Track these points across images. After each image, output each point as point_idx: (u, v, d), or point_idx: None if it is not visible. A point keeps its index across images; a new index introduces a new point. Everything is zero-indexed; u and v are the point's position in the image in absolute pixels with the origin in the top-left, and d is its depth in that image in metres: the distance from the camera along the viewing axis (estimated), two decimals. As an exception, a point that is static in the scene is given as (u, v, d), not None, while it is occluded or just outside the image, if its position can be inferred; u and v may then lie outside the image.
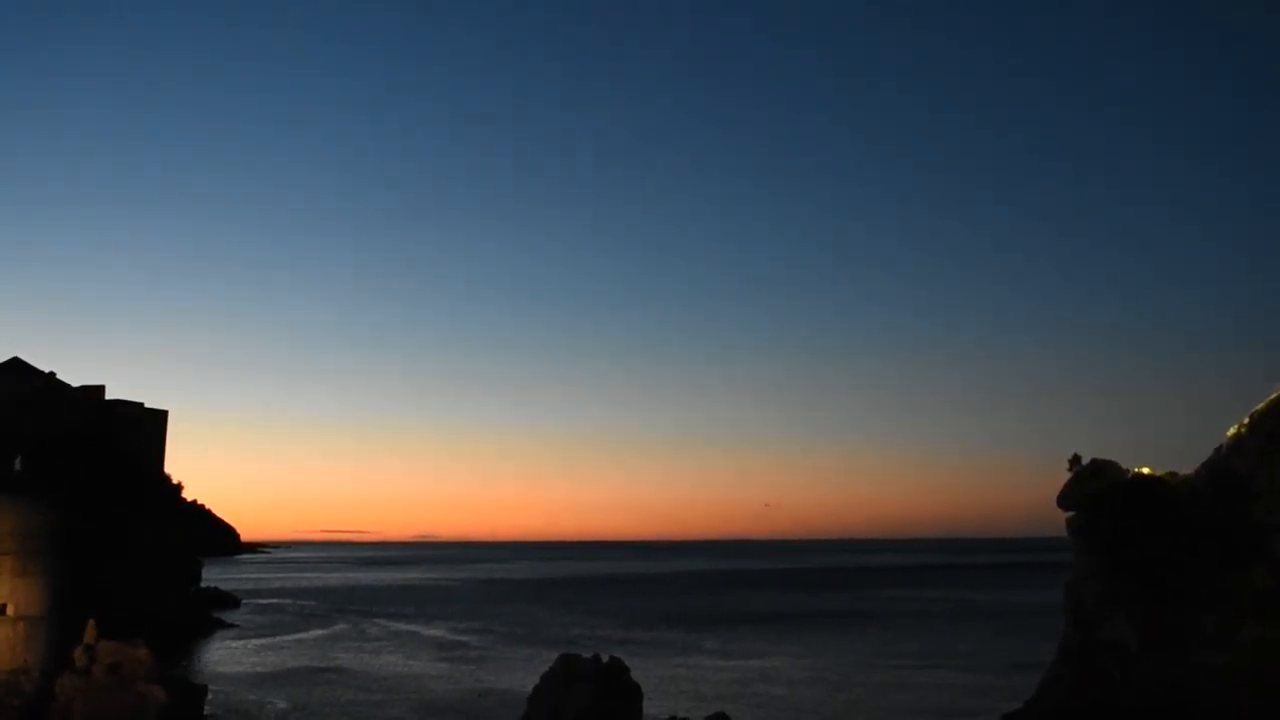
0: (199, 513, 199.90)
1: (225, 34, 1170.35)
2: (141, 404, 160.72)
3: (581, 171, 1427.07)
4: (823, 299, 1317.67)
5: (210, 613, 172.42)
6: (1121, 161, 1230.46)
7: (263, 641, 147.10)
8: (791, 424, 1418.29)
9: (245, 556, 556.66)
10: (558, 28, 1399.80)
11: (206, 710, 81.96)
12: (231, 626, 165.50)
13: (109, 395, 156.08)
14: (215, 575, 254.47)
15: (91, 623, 72.01)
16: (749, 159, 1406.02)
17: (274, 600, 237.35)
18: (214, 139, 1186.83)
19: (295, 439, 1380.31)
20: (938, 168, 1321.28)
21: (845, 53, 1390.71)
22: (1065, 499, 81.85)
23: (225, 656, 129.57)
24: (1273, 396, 75.08)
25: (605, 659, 61.04)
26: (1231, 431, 76.37)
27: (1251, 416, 75.53)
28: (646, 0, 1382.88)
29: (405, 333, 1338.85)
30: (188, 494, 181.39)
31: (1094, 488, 79.98)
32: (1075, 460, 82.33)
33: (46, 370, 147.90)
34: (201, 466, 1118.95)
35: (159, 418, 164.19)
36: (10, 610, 68.44)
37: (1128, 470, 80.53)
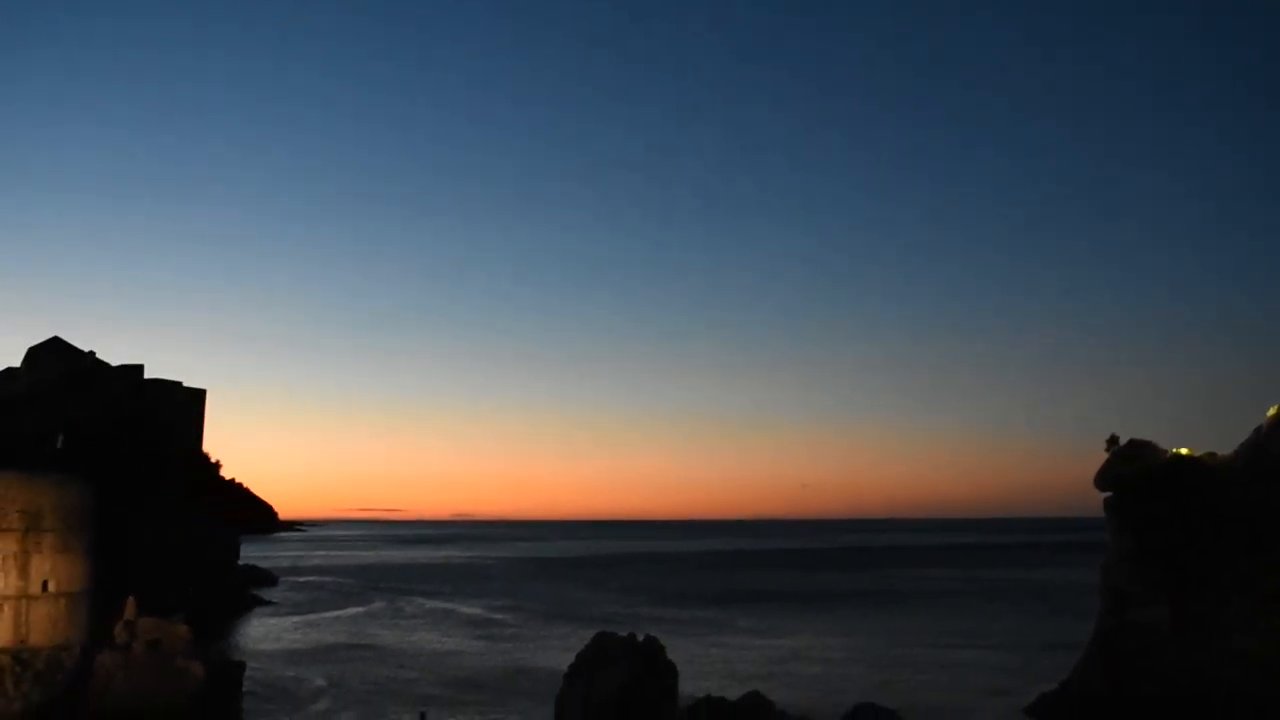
0: (237, 491, 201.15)
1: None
2: (180, 383, 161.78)
3: (628, 154, 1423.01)
4: (860, 282, 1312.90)
5: (248, 590, 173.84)
6: (1160, 146, 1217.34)
7: (300, 619, 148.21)
8: (828, 406, 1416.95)
9: (283, 534, 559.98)
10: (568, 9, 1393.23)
11: (245, 686, 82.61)
12: (269, 604, 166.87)
13: (148, 375, 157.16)
14: (253, 553, 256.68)
15: (132, 599, 72.81)
16: (776, 139, 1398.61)
17: (311, 578, 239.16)
18: (252, 122, 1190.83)
19: (333, 418, 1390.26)
20: (967, 148, 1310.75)
21: (853, 38, 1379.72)
22: (1102, 479, 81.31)
23: (263, 633, 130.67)
24: (1314, 377, 74.12)
25: (641, 638, 61.11)
26: (1271, 412, 75.55)
27: (1291, 397, 74.63)
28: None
29: (443, 314, 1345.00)
30: (226, 472, 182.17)
31: (1130, 469, 79.41)
32: (1113, 440, 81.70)
33: (86, 350, 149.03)
34: (240, 445, 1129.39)
35: (197, 397, 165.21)
36: (52, 587, 69.19)
37: (1165, 451, 79.86)
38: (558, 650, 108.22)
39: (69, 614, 70.35)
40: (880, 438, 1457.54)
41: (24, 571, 68.00)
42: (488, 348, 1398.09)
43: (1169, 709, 69.20)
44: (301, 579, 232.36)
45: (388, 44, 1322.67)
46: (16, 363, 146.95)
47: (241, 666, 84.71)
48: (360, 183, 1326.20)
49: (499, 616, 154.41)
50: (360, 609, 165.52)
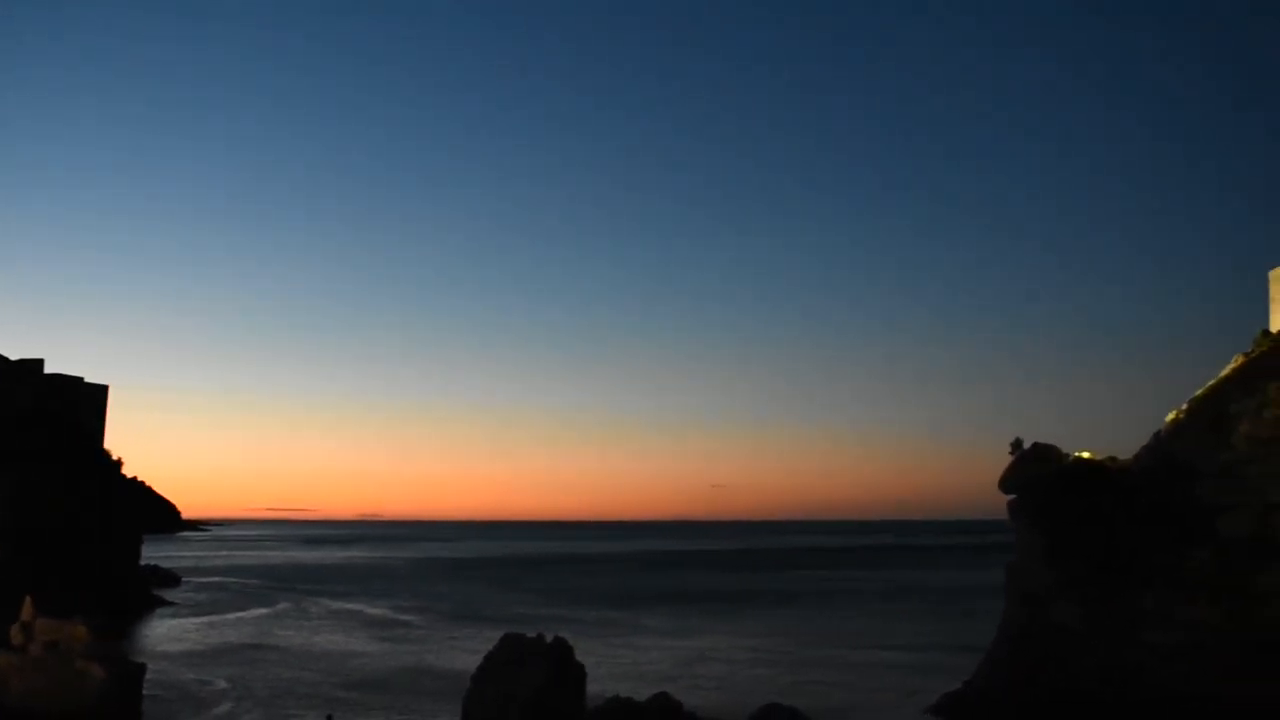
0: (139, 489, 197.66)
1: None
2: (81, 378, 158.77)
3: (566, 155, 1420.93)
4: (775, 284, 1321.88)
5: (150, 590, 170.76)
6: (1067, 154, 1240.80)
7: (203, 620, 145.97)
8: (740, 406, 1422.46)
9: (187, 534, 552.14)
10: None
11: (146, 688, 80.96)
12: (171, 604, 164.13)
13: (47, 370, 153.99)
14: (155, 553, 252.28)
15: (29, 599, 71.05)
16: (720, 145, 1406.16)
17: (215, 578, 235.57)
18: (179, 112, 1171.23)
19: (238, 416, 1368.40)
20: (897, 154, 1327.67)
21: (834, 40, 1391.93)
22: (1007, 482, 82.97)
23: (165, 634, 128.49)
24: (1211, 382, 76.38)
25: (550, 638, 60.96)
26: (1170, 416, 77.69)
27: (1191, 402, 76.83)
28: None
29: (350, 311, 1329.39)
30: (128, 470, 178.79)
31: (1035, 471, 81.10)
32: (1017, 444, 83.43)
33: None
34: (142, 443, 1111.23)
35: (99, 392, 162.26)
36: (-56, 587, 67.41)
37: (1068, 454, 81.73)
38: (465, 651, 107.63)
39: (-38, 615, 68.55)
40: (792, 441, 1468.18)
41: (-85, 571, 66.22)
42: (401, 346, 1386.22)
43: (1078, 706, 70.49)
44: (205, 579, 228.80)
45: (345, 33, 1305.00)
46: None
47: (142, 668, 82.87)
48: (267, 183, 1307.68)
49: (406, 617, 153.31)
50: (265, 610, 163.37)
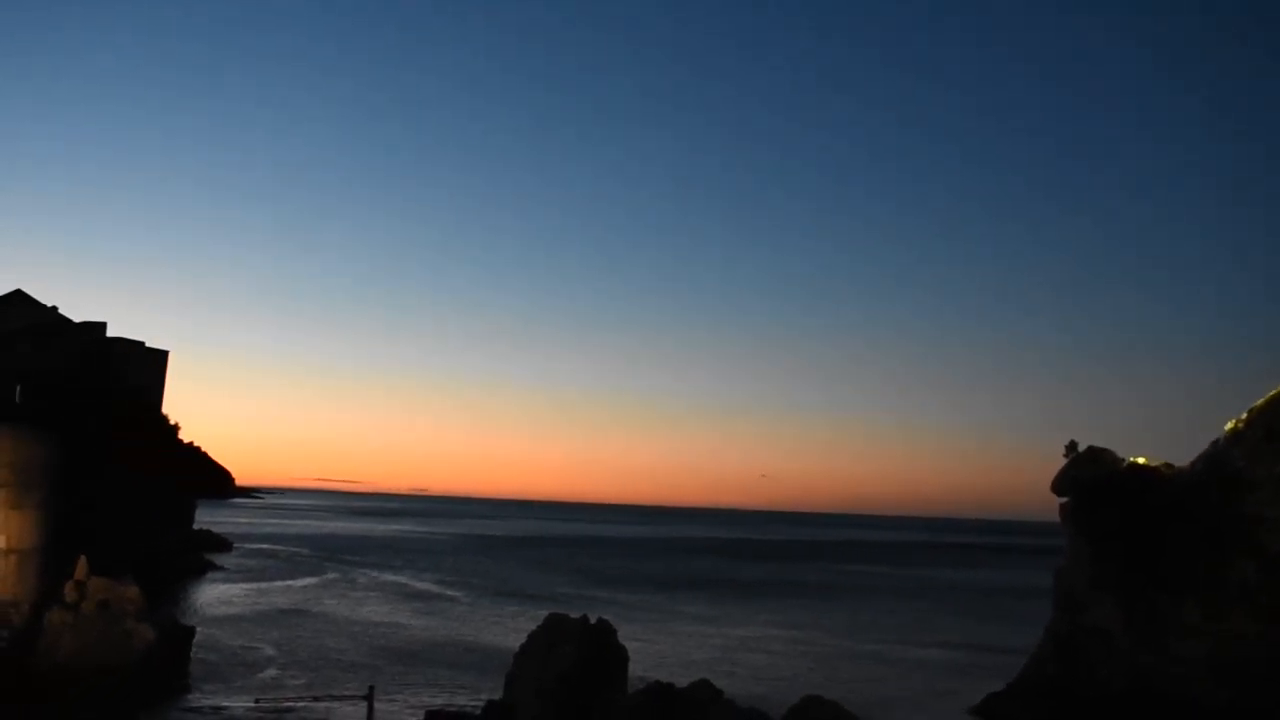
0: (195, 454, 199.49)
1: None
2: (142, 343, 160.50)
3: (582, 137, 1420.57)
4: (825, 274, 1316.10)
5: (202, 554, 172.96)
6: (1132, 151, 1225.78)
7: (252, 586, 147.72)
8: (791, 396, 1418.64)
9: (239, 500, 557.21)
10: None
11: (193, 651, 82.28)
12: (222, 569, 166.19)
13: (110, 333, 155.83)
14: (208, 518, 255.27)
15: (83, 558, 72.24)
16: (753, 131, 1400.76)
17: (265, 545, 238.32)
18: (219, 86, 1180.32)
19: (294, 385, 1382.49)
20: (943, 146, 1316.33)
21: (856, 37, 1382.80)
22: (1059, 484, 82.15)
23: (214, 599, 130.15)
24: (1272, 393, 75.24)
25: (593, 620, 61.24)
26: (1229, 425, 76.58)
27: (1250, 412, 75.74)
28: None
29: (411, 285, 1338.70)
30: (184, 435, 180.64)
31: (1088, 475, 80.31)
32: (1072, 446, 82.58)
33: (49, 305, 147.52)
34: (200, 408, 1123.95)
35: (159, 357, 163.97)
36: (2, 543, 68.66)
37: (1123, 459, 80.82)
38: (508, 629, 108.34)
39: (20, 570, 69.88)
40: (842, 433, 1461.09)
41: (-24, 526, 67.46)
42: (456, 322, 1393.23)
43: (1117, 711, 69.96)
44: (255, 546, 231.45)
45: (350, 25, 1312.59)
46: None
47: (191, 631, 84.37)
48: (329, 151, 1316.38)
49: (450, 592, 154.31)
50: (313, 579, 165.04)
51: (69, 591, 70.34)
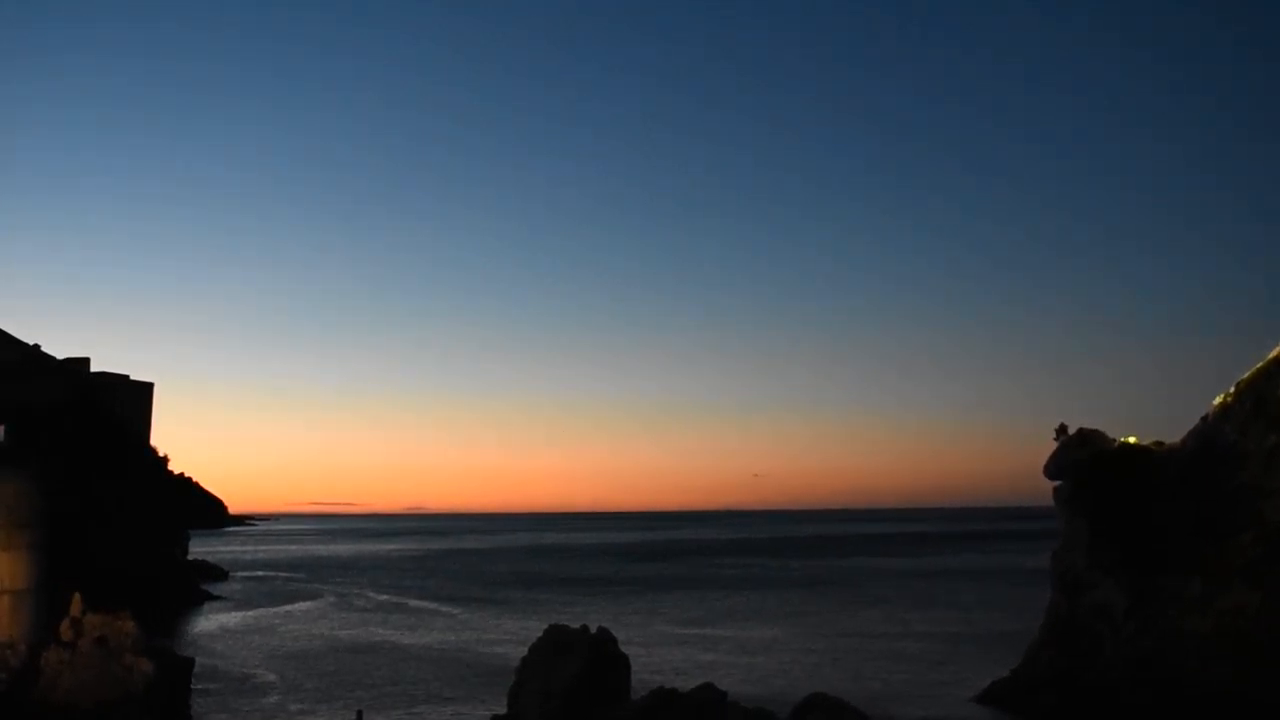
0: (186, 485, 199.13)
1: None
2: (127, 376, 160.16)
3: (573, 142, 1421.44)
4: (810, 267, 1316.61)
5: (198, 585, 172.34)
6: (1108, 134, 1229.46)
7: (250, 613, 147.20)
8: (781, 394, 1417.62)
9: (233, 529, 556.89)
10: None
11: (194, 682, 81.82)
12: (219, 599, 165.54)
13: (94, 368, 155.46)
14: (203, 548, 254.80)
15: (78, 595, 71.72)
16: (738, 132, 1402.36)
17: (262, 572, 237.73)
18: (204, 114, 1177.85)
19: (283, 411, 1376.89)
20: (925, 139, 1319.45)
21: (836, 38, 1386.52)
22: (1052, 468, 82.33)
23: (213, 629, 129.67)
24: (1259, 365, 75.46)
25: (593, 629, 61.05)
26: (1218, 400, 76.80)
27: (1238, 385, 75.95)
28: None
29: (396, 304, 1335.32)
30: (174, 466, 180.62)
31: (1080, 456, 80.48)
32: (1062, 430, 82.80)
33: (31, 344, 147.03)
34: (189, 439, 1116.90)
35: (145, 389, 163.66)
36: (-5, 584, 68.10)
37: (1114, 440, 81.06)
38: (509, 643, 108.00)
39: (13, 612, 69.28)
40: (833, 428, 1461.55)
41: (-34, 568, 66.90)
42: (445, 340, 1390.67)
43: (1122, 693, 69.92)
44: (252, 574, 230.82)
45: (336, 31, 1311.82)
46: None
47: (190, 662, 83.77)
48: (309, 173, 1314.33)
49: (449, 609, 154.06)
50: (311, 603, 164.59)
51: (64, 629, 69.80)
